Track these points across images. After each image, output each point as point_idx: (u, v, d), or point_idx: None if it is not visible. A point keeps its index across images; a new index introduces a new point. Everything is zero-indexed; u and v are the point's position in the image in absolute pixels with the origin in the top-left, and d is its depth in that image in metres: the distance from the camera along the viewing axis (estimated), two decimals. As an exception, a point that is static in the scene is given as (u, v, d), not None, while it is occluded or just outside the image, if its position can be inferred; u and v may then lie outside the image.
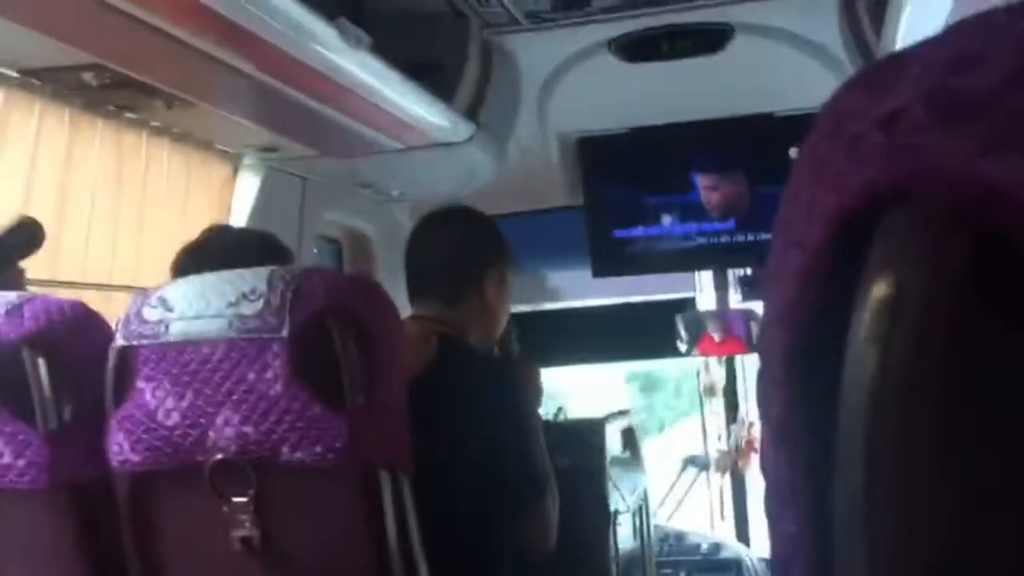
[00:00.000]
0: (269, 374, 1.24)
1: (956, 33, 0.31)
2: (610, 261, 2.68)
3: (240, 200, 1.89)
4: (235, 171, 1.91)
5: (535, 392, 1.67)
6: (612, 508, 1.97)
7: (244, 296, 1.27)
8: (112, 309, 1.61)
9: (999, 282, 0.31)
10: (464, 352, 1.63)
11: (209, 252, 1.55)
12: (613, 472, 2.04)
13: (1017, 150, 0.28)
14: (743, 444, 2.77)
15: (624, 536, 2.14)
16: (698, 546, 2.70)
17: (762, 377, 0.39)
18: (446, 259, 1.69)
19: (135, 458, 1.27)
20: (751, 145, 2.55)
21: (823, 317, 0.35)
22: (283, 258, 1.61)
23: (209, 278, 1.30)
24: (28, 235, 1.48)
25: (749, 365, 3.01)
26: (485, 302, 1.70)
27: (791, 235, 0.38)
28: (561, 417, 2.08)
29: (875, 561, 0.30)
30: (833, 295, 0.34)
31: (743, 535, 2.88)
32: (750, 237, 2.56)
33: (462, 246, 1.71)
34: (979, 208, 0.28)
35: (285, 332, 1.24)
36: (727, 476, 2.88)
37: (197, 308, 1.27)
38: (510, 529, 1.56)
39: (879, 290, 0.30)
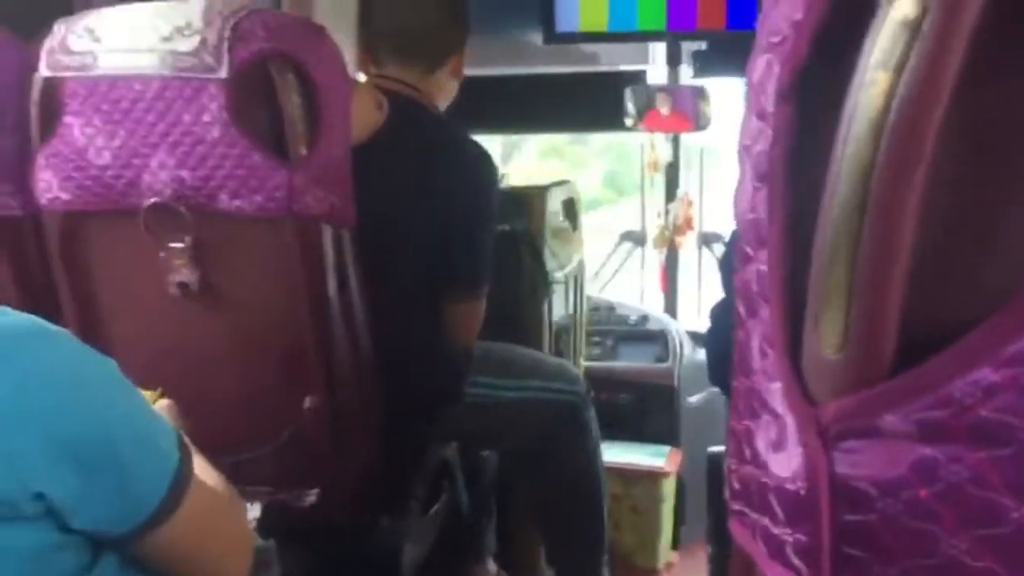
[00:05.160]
0: (206, 117, 1.18)
1: None
2: (562, 26, 2.58)
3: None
4: None
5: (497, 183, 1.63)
6: (549, 275, 2.00)
7: (178, 30, 1.18)
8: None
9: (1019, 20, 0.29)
10: (435, 122, 1.58)
11: None
12: (552, 241, 2.06)
13: None
14: (680, 222, 2.81)
15: (557, 305, 2.20)
16: (627, 317, 2.79)
17: (749, 113, 0.37)
18: (426, 25, 1.60)
19: (64, 196, 1.22)
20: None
21: (826, 41, 0.32)
22: None
23: (139, 8, 1.21)
24: None
25: (692, 144, 3.01)
26: (456, 72, 1.65)
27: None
28: (504, 184, 2.06)
29: (852, 287, 0.29)
30: (841, 16, 0.31)
31: (671, 309, 2.98)
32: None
33: (442, 14, 1.61)
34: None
35: (223, 73, 1.17)
36: (663, 252, 2.94)
37: (128, 41, 1.19)
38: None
39: (901, 8, 0.28)
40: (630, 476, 2.40)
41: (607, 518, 1.81)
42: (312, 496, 1.39)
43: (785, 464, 0.33)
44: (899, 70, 0.28)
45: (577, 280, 2.35)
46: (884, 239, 0.29)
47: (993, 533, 0.29)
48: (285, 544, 1.27)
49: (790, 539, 0.33)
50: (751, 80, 0.37)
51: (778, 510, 0.34)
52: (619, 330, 2.77)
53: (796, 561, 0.33)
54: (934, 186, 0.29)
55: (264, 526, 1.34)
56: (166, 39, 1.18)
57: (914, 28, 0.27)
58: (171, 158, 1.19)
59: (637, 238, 3.03)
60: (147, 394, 0.92)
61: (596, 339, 2.74)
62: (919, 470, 0.30)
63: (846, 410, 0.31)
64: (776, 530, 0.34)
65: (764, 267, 0.35)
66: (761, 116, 0.35)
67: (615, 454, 2.47)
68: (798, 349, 0.34)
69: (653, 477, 2.39)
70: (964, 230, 0.31)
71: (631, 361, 2.70)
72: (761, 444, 0.35)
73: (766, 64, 0.35)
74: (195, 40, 1.17)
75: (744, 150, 0.37)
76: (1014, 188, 0.31)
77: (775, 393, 0.34)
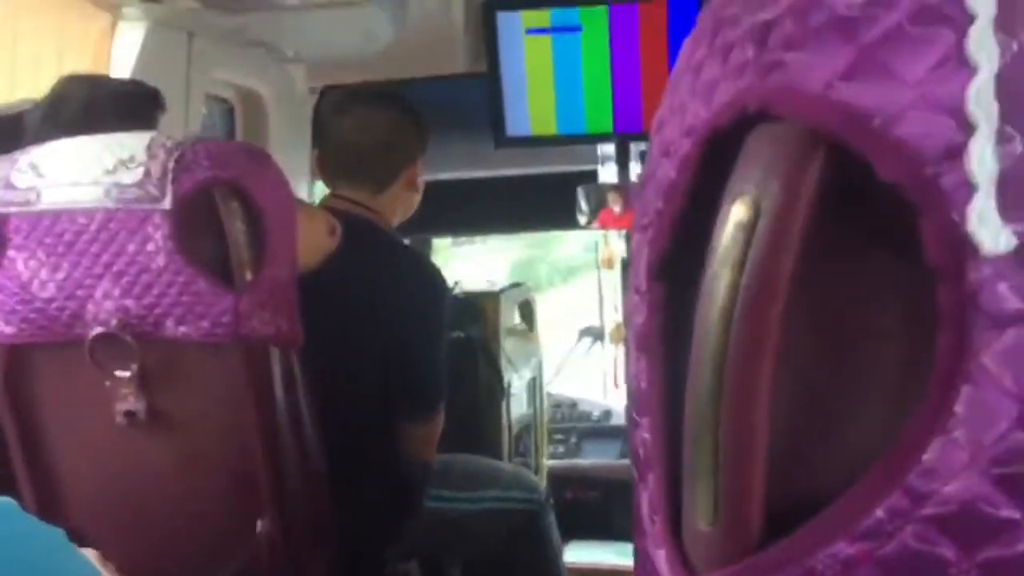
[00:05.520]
0: (151, 247, 1.19)
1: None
2: (512, 131, 2.65)
3: (119, 58, 1.78)
4: (113, 26, 1.79)
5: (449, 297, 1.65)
6: (505, 380, 2.01)
7: (122, 163, 1.21)
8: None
9: (855, 203, 0.31)
10: (387, 244, 1.61)
11: (65, 107, 1.36)
12: (508, 344, 2.08)
13: (878, 76, 0.27)
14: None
15: (518, 405, 2.20)
16: (590, 413, 2.80)
17: (627, 286, 0.39)
18: (380, 144, 1.63)
19: (8, 330, 1.22)
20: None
21: (688, 230, 0.35)
22: (153, 107, 1.46)
23: (83, 142, 1.23)
24: None
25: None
26: (412, 185, 1.68)
27: (663, 141, 0.38)
28: (457, 290, 2.09)
29: (716, 467, 0.31)
30: (699, 209, 0.34)
31: (633, 402, 2.99)
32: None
33: (397, 132, 1.65)
34: (838, 131, 0.28)
35: (167, 203, 1.19)
36: (620, 346, 2.96)
37: (71, 175, 1.21)
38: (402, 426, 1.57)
39: (737, 211, 0.30)
40: (600, 577, 2.37)
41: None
42: (267, 623, 1.36)
43: (672, 631, 0.34)
44: (739, 267, 0.30)
45: (536, 380, 2.36)
46: (739, 422, 0.30)
47: None
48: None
49: None
50: (632, 257, 0.39)
51: (669, 676, 0.35)
52: (582, 427, 2.77)
53: None
54: (786, 368, 0.31)
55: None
56: (110, 172, 1.20)
57: (748, 230, 0.30)
58: (116, 288, 1.20)
59: (596, 333, 3.06)
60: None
61: (559, 436, 2.74)
62: (791, 641, 0.31)
63: (720, 582, 0.32)
64: None
65: (647, 435, 0.37)
66: (637, 291, 0.37)
67: (584, 555, 2.45)
68: (682, 518, 0.35)
69: (623, 576, 2.36)
70: (819, 412, 0.33)
71: (596, 458, 2.70)
72: (653, 608, 0.36)
73: (637, 244, 0.37)
74: (139, 172, 1.20)
75: (627, 322, 0.39)
76: (860, 367, 0.33)
77: (662, 560, 0.35)
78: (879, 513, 0.29)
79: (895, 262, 0.30)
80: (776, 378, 0.31)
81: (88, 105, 1.34)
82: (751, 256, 0.29)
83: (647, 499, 0.37)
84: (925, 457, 0.28)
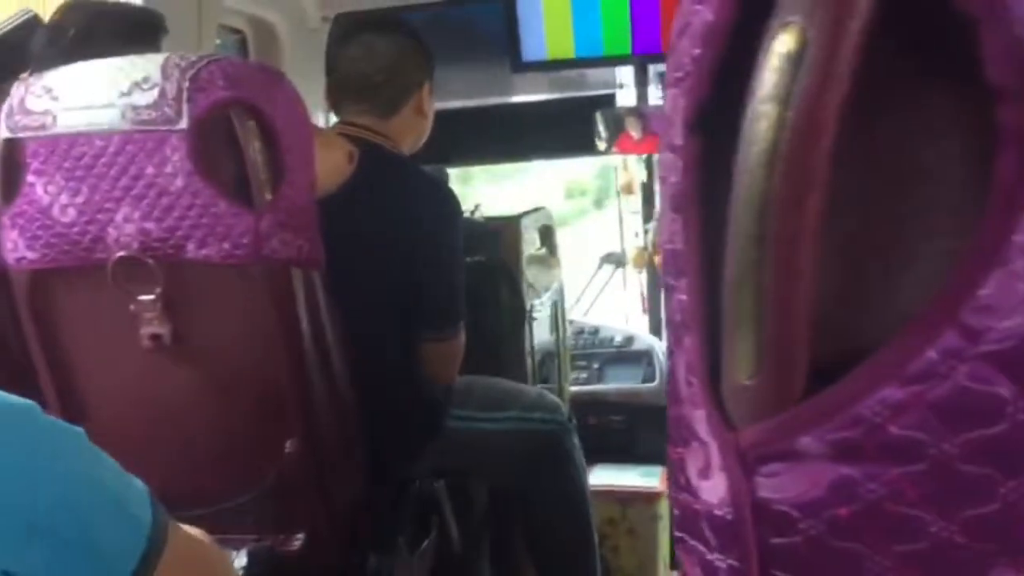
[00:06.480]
0: (169, 168, 1.18)
1: None
2: (529, 55, 2.61)
3: (130, -16, 1.75)
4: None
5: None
6: (527, 304, 2.00)
7: (137, 85, 1.19)
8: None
9: (909, 27, 0.29)
10: (401, 166, 1.59)
11: (67, 32, 1.37)
12: (530, 269, 2.07)
13: None
14: (659, 241, 2.82)
15: (540, 331, 2.20)
16: (612, 339, 2.80)
17: (663, 147, 0.38)
18: (384, 70, 1.62)
19: (31, 255, 1.22)
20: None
21: (725, 77, 0.33)
22: (156, 31, 1.46)
23: (96, 65, 1.21)
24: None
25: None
26: (420, 111, 1.66)
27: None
28: (477, 215, 2.07)
29: (760, 315, 0.30)
30: (736, 54, 0.32)
31: (656, 328, 2.98)
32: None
33: (401, 57, 1.63)
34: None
35: (184, 124, 1.17)
36: (643, 272, 2.95)
37: (86, 98, 1.20)
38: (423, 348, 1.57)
39: (782, 42, 0.29)
40: (625, 498, 2.39)
41: (598, 544, 1.80)
42: (298, 540, 1.38)
43: (713, 491, 0.34)
44: (785, 102, 0.28)
45: (558, 305, 2.35)
46: (784, 267, 0.29)
47: (914, 548, 0.30)
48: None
49: (723, 565, 0.34)
50: (665, 114, 0.38)
51: (710, 536, 0.34)
52: (604, 353, 2.77)
53: (731, 587, 0.33)
54: (836, 215, 0.30)
55: (252, 574, 1.34)
56: (125, 94, 1.18)
57: (796, 62, 0.28)
58: (136, 211, 1.20)
59: (617, 259, 3.04)
60: None
61: (582, 363, 2.74)
62: (837, 490, 0.30)
63: (762, 435, 0.31)
64: (710, 556, 0.35)
65: (684, 297, 0.36)
66: (672, 149, 0.36)
67: (608, 477, 2.46)
68: (720, 377, 0.34)
69: (648, 498, 2.38)
70: (868, 257, 0.32)
71: (618, 383, 2.70)
72: (692, 471, 0.35)
73: (672, 98, 0.36)
74: (154, 93, 1.18)
75: (661, 181, 0.38)
76: (915, 209, 0.31)
77: (700, 420, 0.34)
78: (931, 354, 0.28)
79: (952, 88, 0.28)
80: (825, 223, 0.29)
81: (91, 29, 1.33)
82: (797, 89, 0.28)
83: (684, 363, 0.36)
84: (982, 292, 0.27)
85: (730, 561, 0.33)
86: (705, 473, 0.34)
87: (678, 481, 0.38)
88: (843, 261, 0.31)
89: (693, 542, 0.36)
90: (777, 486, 0.31)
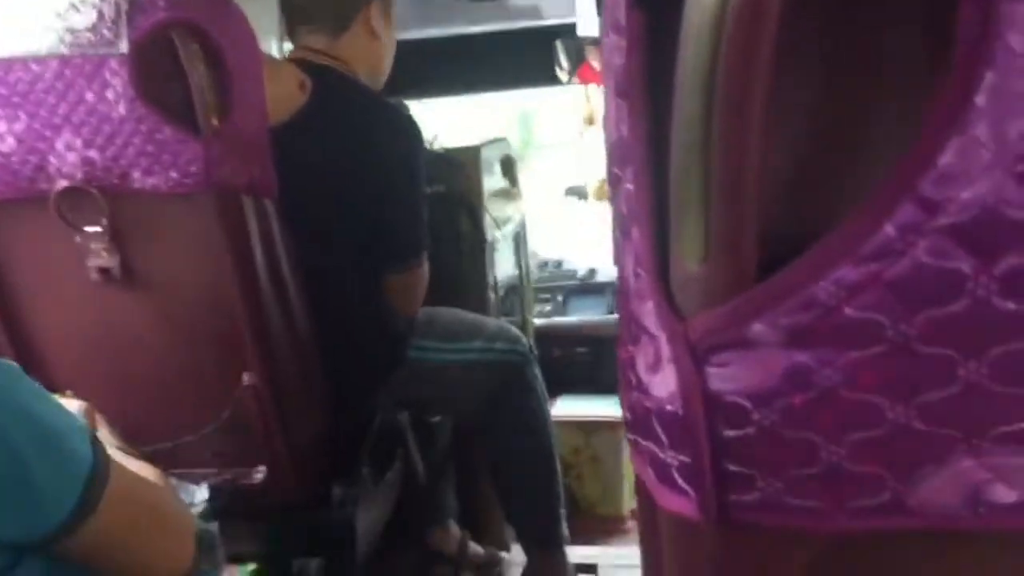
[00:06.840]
0: (110, 94, 1.14)
1: None
2: (486, -17, 2.54)
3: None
4: None
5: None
6: (488, 237, 1.98)
7: (73, 6, 1.13)
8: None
9: None
10: (355, 90, 1.54)
11: None
12: (491, 201, 2.04)
13: None
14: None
15: (503, 263, 2.18)
16: (575, 271, 2.79)
17: (607, 30, 0.35)
18: None
19: (-30, 187, 1.18)
20: None
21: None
22: None
23: (29, -16, 1.15)
24: None
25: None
26: (371, 31, 1.59)
27: None
28: (436, 145, 2.03)
29: (708, 197, 0.28)
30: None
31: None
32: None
33: None
34: None
35: (123, 47, 1.12)
36: (605, 203, 2.93)
37: (20, 20, 1.14)
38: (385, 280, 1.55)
39: None
40: (589, 427, 2.41)
41: (560, 472, 1.81)
42: (259, 473, 1.37)
43: (663, 385, 0.32)
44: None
45: (520, 236, 2.33)
46: (731, 142, 0.27)
47: (870, 436, 0.29)
48: (237, 524, 1.25)
49: (675, 462, 0.33)
50: (608, -3, 0.35)
51: (661, 433, 0.33)
52: (568, 285, 2.77)
53: (682, 484, 0.32)
54: (788, 94, 0.28)
55: (214, 508, 1.32)
56: (60, 15, 1.13)
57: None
58: (78, 139, 1.15)
59: (579, 192, 3.02)
60: (63, 399, 0.89)
61: (545, 296, 2.74)
62: (791, 377, 0.29)
63: (713, 322, 0.30)
64: (662, 455, 0.33)
65: (631, 186, 0.34)
66: (616, 29, 0.33)
67: (573, 407, 2.48)
68: (669, 268, 0.33)
69: (612, 426, 2.40)
70: (822, 137, 0.30)
71: (583, 315, 2.70)
72: (642, 368, 0.34)
73: (615, -27, 0.33)
74: (92, 14, 1.13)
75: (606, 67, 0.35)
76: (875, 97, 0.30)
77: (649, 314, 0.33)
78: (888, 230, 0.27)
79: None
80: (780, 111, 0.28)
81: None
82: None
83: (632, 255, 0.34)
84: (941, 161, 0.26)
85: (681, 457, 0.32)
86: (655, 367, 0.32)
87: (628, 381, 0.36)
88: (799, 147, 0.29)
89: (645, 443, 0.35)
90: (729, 376, 0.30)
